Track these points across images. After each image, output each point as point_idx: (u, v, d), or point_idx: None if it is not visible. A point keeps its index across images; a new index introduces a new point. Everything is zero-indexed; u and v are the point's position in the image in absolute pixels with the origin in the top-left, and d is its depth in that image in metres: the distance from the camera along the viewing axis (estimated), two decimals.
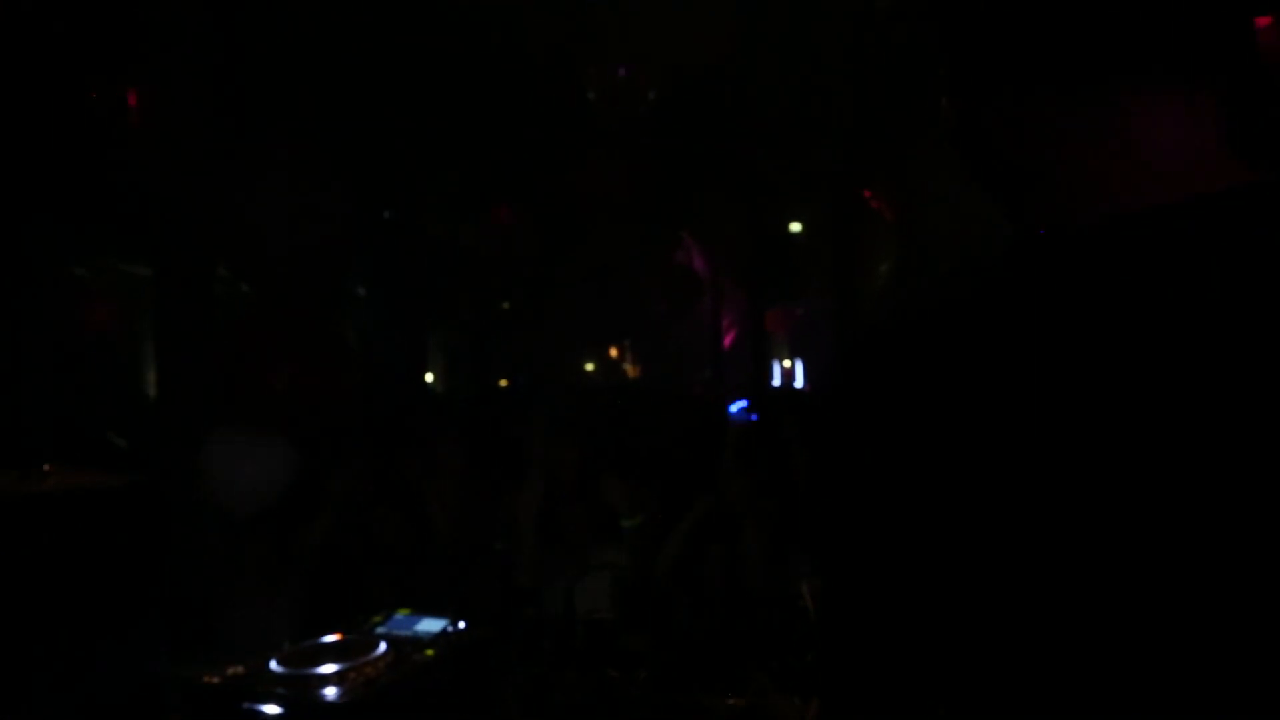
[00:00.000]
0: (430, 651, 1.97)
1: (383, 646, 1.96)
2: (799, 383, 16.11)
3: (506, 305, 16.09)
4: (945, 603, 0.53)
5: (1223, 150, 0.58)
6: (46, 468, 1.89)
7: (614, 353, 19.34)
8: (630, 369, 19.00)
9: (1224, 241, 0.51)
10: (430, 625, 2.12)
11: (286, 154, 7.83)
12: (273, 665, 1.87)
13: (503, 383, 16.17)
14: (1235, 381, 0.47)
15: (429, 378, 13.47)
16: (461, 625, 2.12)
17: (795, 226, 13.12)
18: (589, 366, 18.97)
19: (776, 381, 14.92)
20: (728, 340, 15.80)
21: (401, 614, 2.20)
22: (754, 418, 6.98)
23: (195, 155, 3.98)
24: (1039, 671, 0.50)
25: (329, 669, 1.84)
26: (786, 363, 16.40)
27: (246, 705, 1.75)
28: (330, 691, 1.76)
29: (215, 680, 1.83)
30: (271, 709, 1.72)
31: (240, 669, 1.88)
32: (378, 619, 2.19)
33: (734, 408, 10.18)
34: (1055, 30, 0.58)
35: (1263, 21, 0.61)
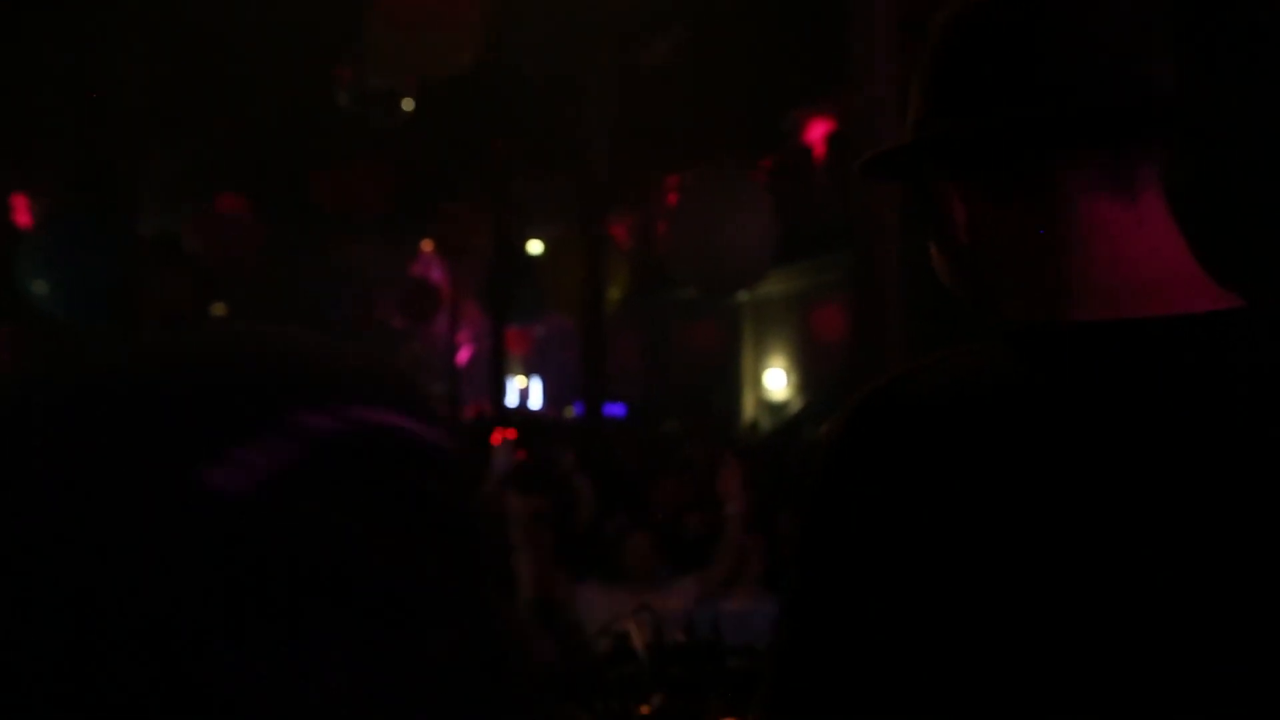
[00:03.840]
0: None
1: None
2: (536, 403, 16.16)
3: (221, 308, 14.78)
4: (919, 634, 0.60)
5: (1190, 264, 0.68)
6: None
7: None
8: None
9: (1199, 364, 0.63)
10: None
11: None
12: None
13: None
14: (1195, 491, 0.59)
15: None
16: None
17: (536, 247, 13.22)
18: None
19: (512, 401, 14.89)
20: (462, 356, 15.59)
21: None
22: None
23: None
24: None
25: None
26: (522, 381, 16.39)
27: None
28: None
29: None
30: None
31: None
32: None
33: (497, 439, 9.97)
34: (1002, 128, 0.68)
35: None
